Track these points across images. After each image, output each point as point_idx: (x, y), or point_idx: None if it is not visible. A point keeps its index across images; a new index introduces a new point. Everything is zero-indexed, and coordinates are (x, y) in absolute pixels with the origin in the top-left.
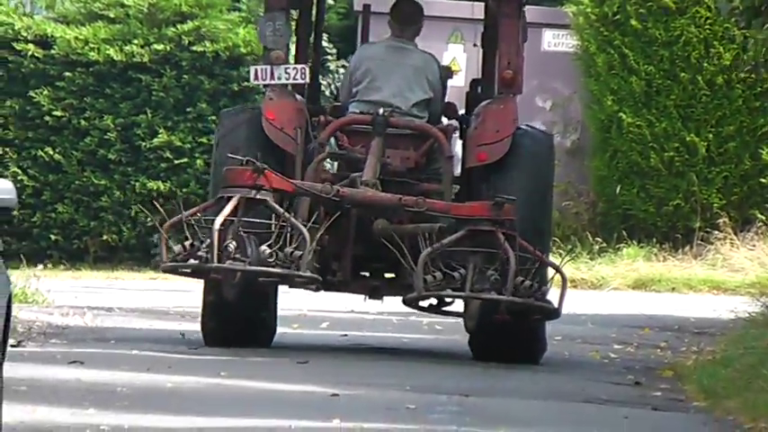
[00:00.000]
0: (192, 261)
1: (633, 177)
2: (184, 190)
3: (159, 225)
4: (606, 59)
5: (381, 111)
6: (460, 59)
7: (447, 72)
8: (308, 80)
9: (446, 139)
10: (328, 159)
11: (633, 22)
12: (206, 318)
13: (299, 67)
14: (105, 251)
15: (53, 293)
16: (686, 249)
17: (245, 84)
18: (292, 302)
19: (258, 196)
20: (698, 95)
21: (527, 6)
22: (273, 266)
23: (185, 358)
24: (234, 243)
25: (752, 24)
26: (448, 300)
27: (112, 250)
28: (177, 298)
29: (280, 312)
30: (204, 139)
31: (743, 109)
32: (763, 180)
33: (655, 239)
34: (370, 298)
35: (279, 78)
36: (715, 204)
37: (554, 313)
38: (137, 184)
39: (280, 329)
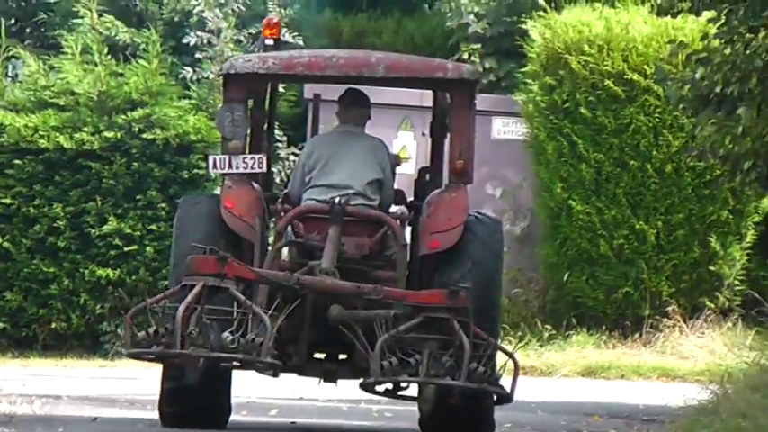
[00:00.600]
0: (155, 347)
1: (583, 264)
2: (134, 277)
3: (124, 312)
4: (556, 147)
5: (338, 199)
6: (410, 147)
7: (396, 160)
8: (264, 169)
9: (400, 228)
10: (285, 247)
11: (583, 110)
12: (164, 403)
13: (256, 156)
14: (54, 339)
15: (0, 381)
16: (636, 337)
17: (195, 171)
18: (240, 389)
19: (224, 284)
20: (647, 183)
21: (481, 94)
22: (235, 352)
23: None
24: (197, 330)
25: (699, 114)
26: (403, 384)
27: (61, 338)
28: (126, 385)
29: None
30: (154, 227)
31: (692, 197)
32: (712, 268)
33: (604, 327)
34: (325, 381)
35: (237, 168)
36: (664, 292)
37: (507, 398)
38: (86, 271)
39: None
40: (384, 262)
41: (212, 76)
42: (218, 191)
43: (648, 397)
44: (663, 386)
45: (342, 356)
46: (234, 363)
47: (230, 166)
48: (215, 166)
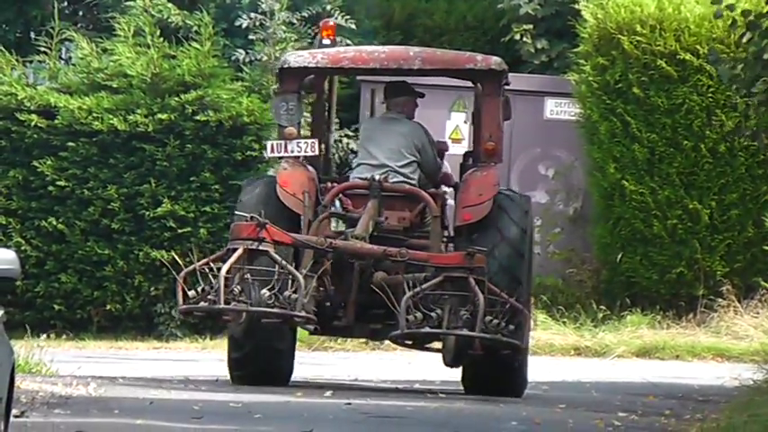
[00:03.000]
0: (202, 303)
1: (636, 245)
2: (187, 260)
3: (176, 273)
4: (609, 127)
5: (377, 176)
6: (463, 128)
7: (443, 145)
8: (317, 153)
9: (435, 202)
10: (336, 219)
11: (635, 90)
12: (231, 368)
13: (309, 141)
14: (109, 321)
15: (56, 363)
16: (690, 317)
17: (248, 153)
18: (297, 371)
19: (260, 247)
20: (700, 163)
21: (533, 75)
22: (273, 308)
23: (189, 428)
24: (239, 287)
25: (752, 92)
26: (427, 338)
27: (116, 320)
28: (181, 367)
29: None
30: (208, 208)
31: (745, 177)
32: (766, 248)
33: (658, 307)
34: (371, 340)
35: (292, 151)
36: (718, 272)
37: (519, 348)
38: (140, 253)
39: (283, 398)
40: (423, 233)
41: (265, 57)
42: (271, 172)
43: (703, 377)
44: (717, 366)
45: (388, 322)
46: (272, 318)
47: (286, 150)
48: (272, 151)
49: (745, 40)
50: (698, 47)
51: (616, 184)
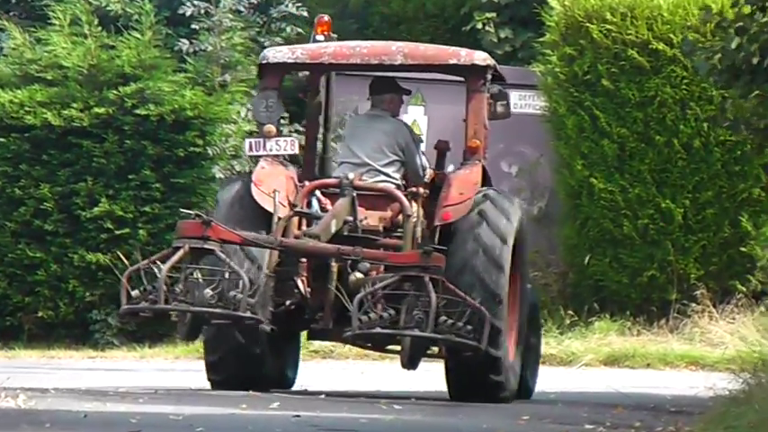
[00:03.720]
0: (143, 304)
1: (605, 246)
2: (129, 261)
3: (114, 277)
4: (576, 121)
5: (351, 175)
6: (421, 122)
7: (443, 144)
8: (296, 151)
9: (406, 200)
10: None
11: (605, 82)
12: (208, 372)
13: (288, 139)
14: (40, 328)
15: None
16: (662, 323)
17: (192, 149)
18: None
19: (207, 246)
20: (674, 159)
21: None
22: (215, 308)
23: None
24: (181, 287)
25: (732, 85)
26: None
27: (48, 327)
28: (118, 377)
29: (225, 393)
30: (148, 209)
31: (722, 173)
32: (743, 249)
33: (628, 312)
34: (349, 345)
35: (270, 150)
36: (692, 275)
37: (476, 350)
38: (75, 256)
39: (227, 410)
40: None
41: (210, 48)
42: (215, 170)
43: (676, 387)
44: (691, 375)
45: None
46: (217, 318)
47: (264, 149)
48: (251, 149)
49: (733, 45)
50: (671, 36)
51: (584, 181)
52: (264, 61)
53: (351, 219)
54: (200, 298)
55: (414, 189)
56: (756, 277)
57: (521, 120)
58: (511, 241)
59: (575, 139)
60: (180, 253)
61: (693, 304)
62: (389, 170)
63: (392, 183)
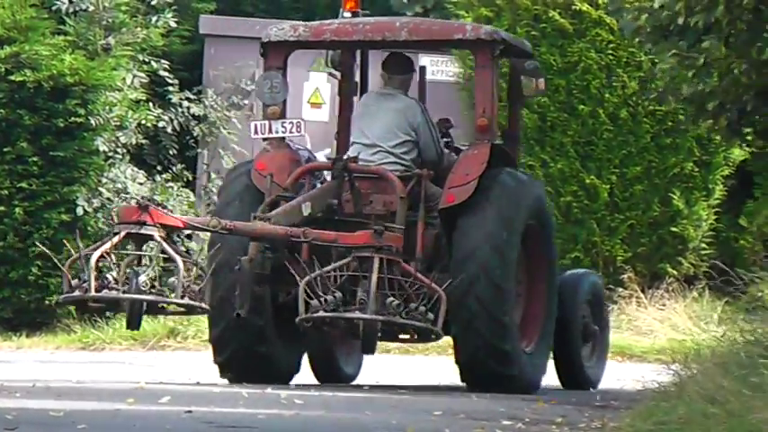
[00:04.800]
0: (76, 292)
1: None
2: (1, 244)
3: (60, 262)
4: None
5: (345, 156)
6: (324, 90)
7: (446, 122)
8: (303, 133)
9: (400, 182)
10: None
11: None
12: (214, 355)
13: (294, 120)
14: None
15: None
16: None
17: (72, 119)
18: (129, 374)
19: (145, 231)
20: (599, 131)
21: None
22: (148, 294)
23: None
24: (114, 274)
25: (659, 47)
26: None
27: None
28: None
29: (111, 386)
30: (24, 184)
31: (651, 147)
32: (674, 229)
33: None
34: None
35: (276, 132)
36: (619, 257)
37: (426, 331)
38: None
39: (113, 405)
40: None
41: (91, 8)
42: (99, 141)
43: (602, 379)
44: (618, 367)
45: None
46: (154, 305)
47: (270, 131)
48: (256, 132)
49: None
50: None
51: None
52: (266, 40)
53: (334, 201)
54: (134, 286)
55: (418, 171)
56: (688, 260)
57: (433, 87)
58: (519, 228)
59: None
60: (115, 239)
61: (620, 289)
62: (399, 150)
63: (402, 164)
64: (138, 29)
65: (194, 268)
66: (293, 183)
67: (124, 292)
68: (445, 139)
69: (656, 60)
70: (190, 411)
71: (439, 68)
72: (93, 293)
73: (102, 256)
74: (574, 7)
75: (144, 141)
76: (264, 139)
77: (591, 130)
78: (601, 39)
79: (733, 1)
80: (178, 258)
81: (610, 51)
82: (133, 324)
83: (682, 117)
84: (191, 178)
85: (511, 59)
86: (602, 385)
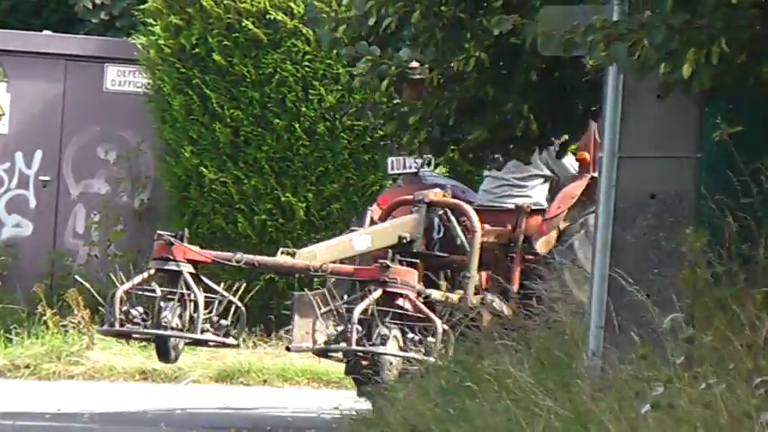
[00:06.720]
0: (105, 326)
1: (217, 245)
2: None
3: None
4: (184, 102)
5: (434, 191)
6: (2, 100)
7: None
8: (430, 168)
9: (474, 215)
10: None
11: (216, 57)
12: None
13: (427, 157)
14: None
15: None
16: (281, 334)
17: None
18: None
19: (176, 268)
20: (295, 147)
21: (89, 36)
22: (168, 330)
23: None
24: (140, 309)
25: (349, 50)
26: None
27: None
28: None
29: None
30: None
31: (349, 163)
32: None
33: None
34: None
35: (409, 168)
36: (316, 279)
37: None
38: None
39: None
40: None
41: None
42: None
43: (297, 406)
44: (314, 393)
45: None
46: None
47: (404, 167)
48: (392, 168)
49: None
50: (292, 5)
51: (193, 171)
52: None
53: (406, 236)
54: (156, 320)
55: (522, 206)
56: None
57: (120, 99)
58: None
59: (182, 122)
60: (143, 275)
61: None
62: (529, 183)
63: (525, 199)
64: None
65: (215, 303)
66: (382, 216)
67: (146, 327)
68: None
69: (354, 73)
70: None
71: (126, 79)
72: (117, 328)
73: (128, 291)
74: (268, 16)
75: None
76: (399, 175)
77: (287, 145)
78: (297, 50)
79: (430, 9)
80: (200, 296)
81: (306, 63)
82: (163, 357)
83: (381, 132)
84: None
85: None
86: (298, 412)
